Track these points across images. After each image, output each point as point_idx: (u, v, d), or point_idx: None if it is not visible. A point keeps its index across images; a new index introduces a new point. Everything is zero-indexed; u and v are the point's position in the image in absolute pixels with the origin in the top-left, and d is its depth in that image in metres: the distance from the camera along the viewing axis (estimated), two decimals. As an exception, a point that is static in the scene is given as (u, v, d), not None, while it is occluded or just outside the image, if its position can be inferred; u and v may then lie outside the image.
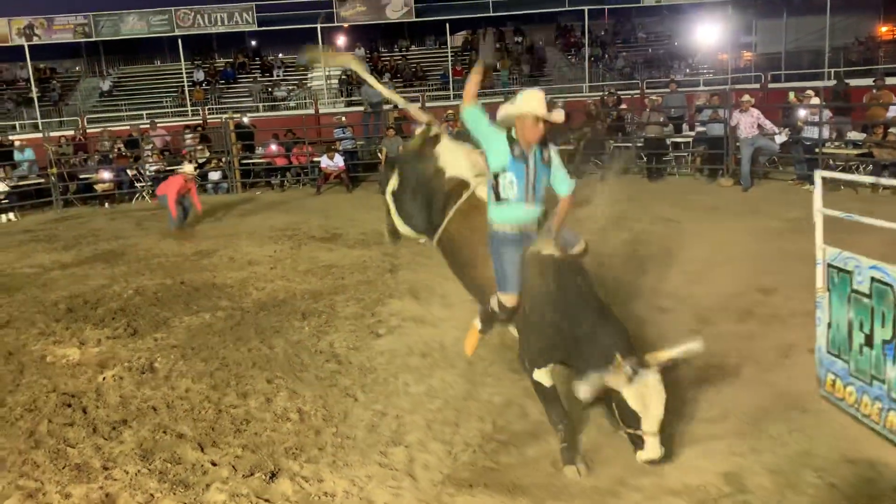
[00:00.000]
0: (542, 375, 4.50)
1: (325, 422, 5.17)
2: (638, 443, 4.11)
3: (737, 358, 5.72)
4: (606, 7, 29.24)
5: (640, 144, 15.28)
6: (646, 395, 3.98)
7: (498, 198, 4.31)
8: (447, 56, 27.41)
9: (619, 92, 18.89)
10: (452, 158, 5.19)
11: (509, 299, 4.42)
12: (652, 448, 4.07)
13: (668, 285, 7.52)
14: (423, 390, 5.55)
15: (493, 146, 4.30)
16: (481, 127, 4.31)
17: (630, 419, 4.07)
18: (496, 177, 4.30)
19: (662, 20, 30.09)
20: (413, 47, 30.36)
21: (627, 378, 3.95)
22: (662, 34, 29.75)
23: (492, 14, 26.97)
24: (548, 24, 31.11)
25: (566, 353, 4.35)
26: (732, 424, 4.73)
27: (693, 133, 15.19)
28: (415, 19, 26.62)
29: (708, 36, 26.94)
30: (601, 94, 19.71)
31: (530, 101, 4.19)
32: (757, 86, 21.66)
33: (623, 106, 17.30)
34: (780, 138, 13.43)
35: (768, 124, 13.04)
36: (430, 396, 5.45)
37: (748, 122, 12.92)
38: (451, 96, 25.42)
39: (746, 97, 13.25)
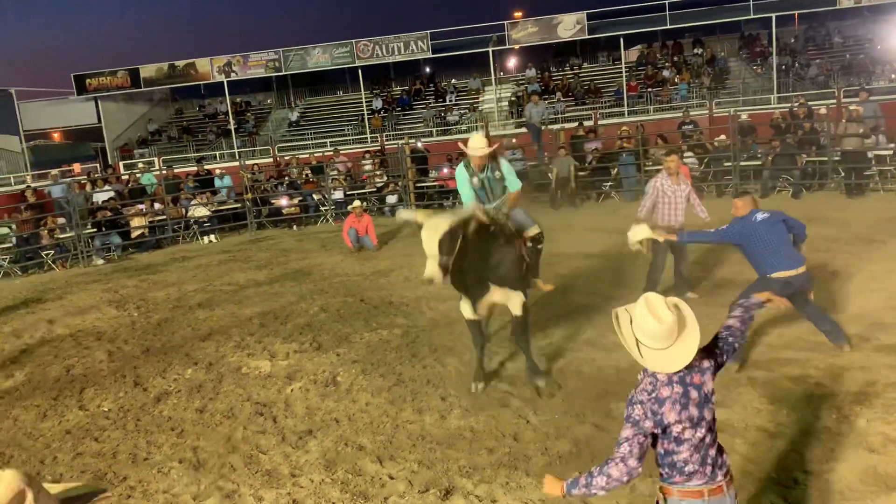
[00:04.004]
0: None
1: (497, 442, 5.15)
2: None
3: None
4: (797, 12, 27.32)
5: (836, 158, 14.05)
6: None
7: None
8: (621, 71, 26.83)
9: (811, 102, 17.53)
10: None
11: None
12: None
13: (871, 315, 6.80)
14: (599, 418, 5.37)
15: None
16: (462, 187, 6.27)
17: None
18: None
19: (863, 23, 27.49)
20: (585, 64, 30.02)
21: None
22: (862, 38, 27.17)
23: (669, 27, 26.08)
24: (730, 34, 29.54)
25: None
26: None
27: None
28: (587, 37, 26.34)
29: (918, 37, 24.28)
30: (790, 105, 18.36)
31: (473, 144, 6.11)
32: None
33: (823, 112, 15.98)
34: None
35: None
36: (609, 422, 5.26)
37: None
38: (625, 113, 24.82)
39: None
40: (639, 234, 6.61)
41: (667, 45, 29.38)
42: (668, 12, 25.59)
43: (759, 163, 15.12)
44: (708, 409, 2.78)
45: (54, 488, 1.66)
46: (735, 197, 6.24)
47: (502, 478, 4.65)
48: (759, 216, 5.88)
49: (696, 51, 28.27)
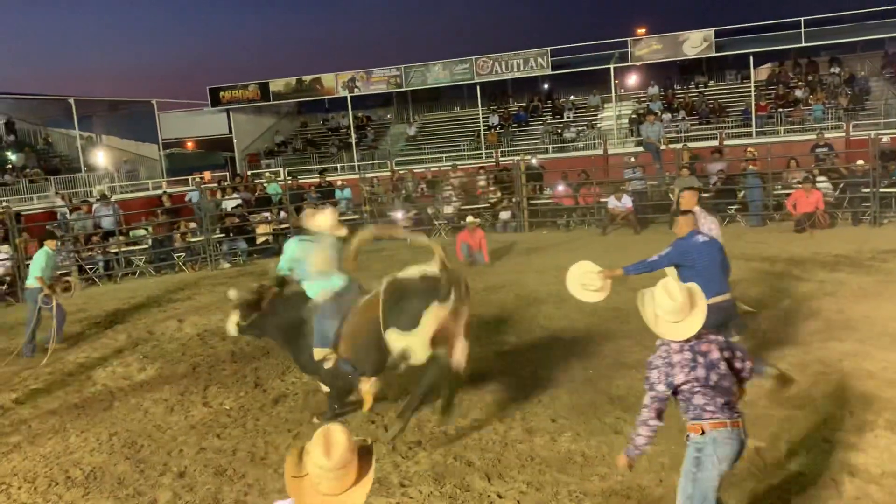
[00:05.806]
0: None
1: (609, 469, 4.99)
2: None
3: None
4: (950, 29, 25.32)
5: None
6: None
7: None
8: (750, 91, 25.71)
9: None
10: None
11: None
12: None
13: None
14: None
15: None
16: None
17: None
18: None
19: None
20: (711, 82, 28.95)
21: None
22: None
23: (803, 44, 24.79)
24: (873, 52, 27.64)
25: None
26: None
27: None
28: (715, 54, 25.45)
29: None
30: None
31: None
32: None
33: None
34: None
35: None
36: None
37: None
38: (753, 133, 23.76)
39: None
40: (579, 274, 6.13)
41: (800, 63, 27.88)
42: (802, 29, 24.32)
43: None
44: (715, 372, 3.58)
45: None
46: (676, 215, 6.25)
47: (615, 507, 4.50)
48: (700, 238, 6.01)
49: (832, 70, 26.69)
